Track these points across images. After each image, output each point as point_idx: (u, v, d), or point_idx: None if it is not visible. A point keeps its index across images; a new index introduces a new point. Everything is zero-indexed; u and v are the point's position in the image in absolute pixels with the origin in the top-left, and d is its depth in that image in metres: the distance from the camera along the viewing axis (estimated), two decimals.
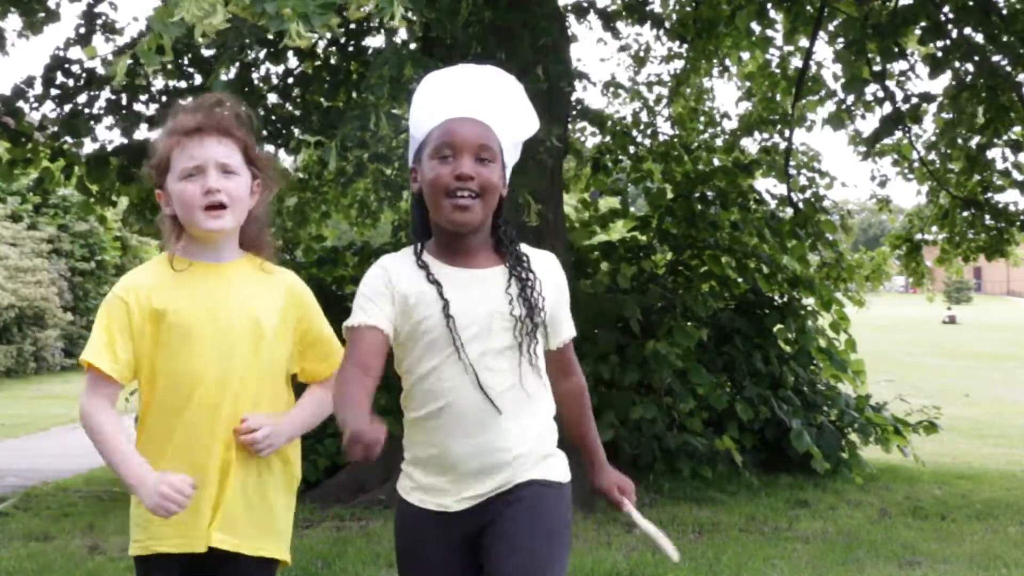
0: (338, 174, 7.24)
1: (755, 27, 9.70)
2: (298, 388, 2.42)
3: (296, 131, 7.65)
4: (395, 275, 2.11)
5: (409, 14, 3.41)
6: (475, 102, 2.13)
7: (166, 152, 2.26)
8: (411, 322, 2.09)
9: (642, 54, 11.31)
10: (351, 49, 7.51)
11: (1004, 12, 7.69)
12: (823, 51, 39.99)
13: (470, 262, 2.13)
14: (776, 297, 9.16)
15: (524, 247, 2.19)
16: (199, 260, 2.27)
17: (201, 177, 2.21)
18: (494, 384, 2.08)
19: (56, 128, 7.52)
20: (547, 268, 2.19)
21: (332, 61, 7.79)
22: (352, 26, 6.93)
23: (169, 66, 6.69)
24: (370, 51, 7.76)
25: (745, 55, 10.81)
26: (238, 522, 2.22)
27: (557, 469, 2.17)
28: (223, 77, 5.12)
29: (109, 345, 2.21)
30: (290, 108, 7.85)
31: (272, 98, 7.83)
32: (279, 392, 2.31)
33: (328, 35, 6.88)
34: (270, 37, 6.89)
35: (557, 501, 2.14)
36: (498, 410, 2.07)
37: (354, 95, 7.04)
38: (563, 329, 2.23)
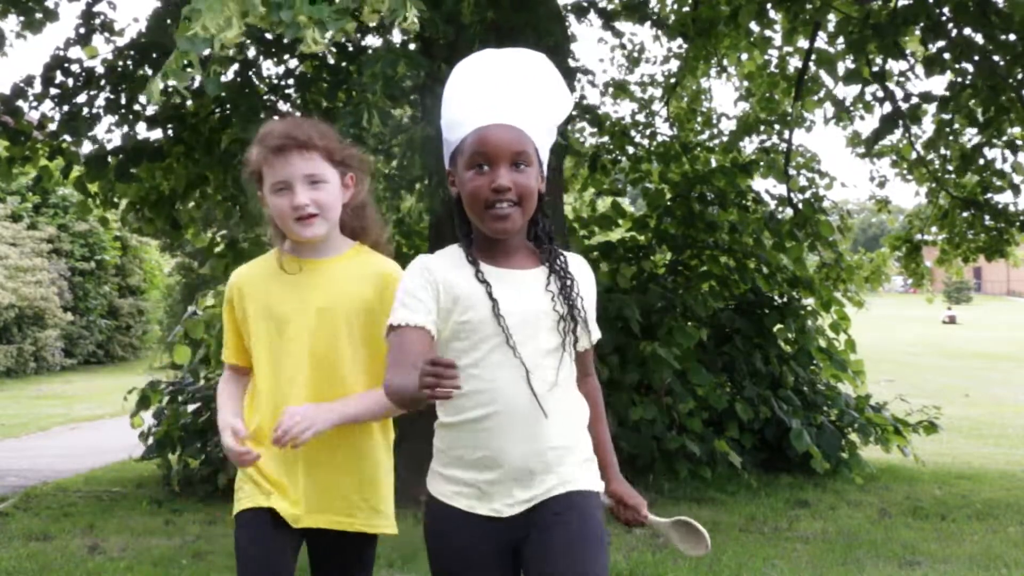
0: None
1: (754, 27, 9.69)
2: None
3: None
4: (439, 272, 2.11)
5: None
6: (507, 103, 2.11)
7: (257, 165, 2.42)
8: (455, 321, 2.08)
9: (636, 54, 11.31)
10: (351, 50, 7.50)
11: (1003, 11, 7.68)
12: None
13: (510, 262, 2.14)
14: (776, 297, 9.16)
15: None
16: (305, 256, 2.44)
17: (289, 192, 2.36)
18: (541, 383, 2.07)
19: (55, 127, 7.51)
20: (579, 270, 2.20)
21: (331, 61, 7.77)
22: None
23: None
24: (368, 51, 7.76)
25: (744, 55, 10.81)
26: (329, 500, 2.36)
27: (595, 475, 2.19)
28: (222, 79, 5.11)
29: (226, 341, 2.51)
30: (290, 109, 7.83)
31: (272, 98, 7.82)
32: (370, 380, 2.39)
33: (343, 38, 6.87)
34: (268, 37, 6.89)
35: (599, 509, 2.17)
36: (545, 411, 2.07)
37: (345, 93, 7.04)
38: (592, 332, 2.20)
